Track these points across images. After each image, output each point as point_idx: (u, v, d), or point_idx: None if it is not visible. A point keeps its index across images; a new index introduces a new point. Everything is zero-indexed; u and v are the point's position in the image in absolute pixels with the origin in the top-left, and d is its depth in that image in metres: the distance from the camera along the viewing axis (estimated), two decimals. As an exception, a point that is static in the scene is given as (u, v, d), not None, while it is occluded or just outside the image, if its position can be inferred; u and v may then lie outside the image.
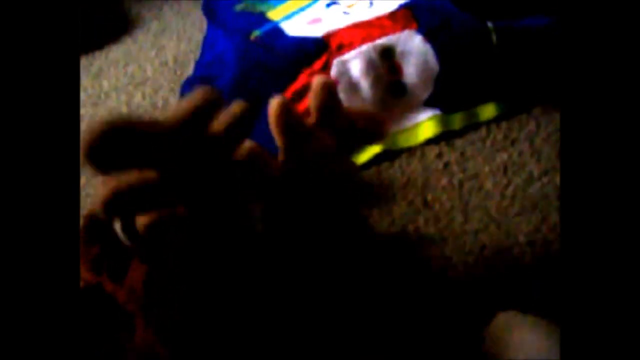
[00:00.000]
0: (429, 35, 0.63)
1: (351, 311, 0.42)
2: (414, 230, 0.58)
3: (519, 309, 0.49)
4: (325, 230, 0.40)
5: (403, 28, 0.64)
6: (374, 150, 0.63)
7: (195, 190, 0.30)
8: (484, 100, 0.65)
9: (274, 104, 0.35)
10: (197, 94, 0.28)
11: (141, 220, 0.29)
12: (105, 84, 0.83)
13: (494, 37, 0.64)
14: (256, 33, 0.68)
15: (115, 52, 0.89)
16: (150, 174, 0.28)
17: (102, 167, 0.26)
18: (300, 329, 0.38)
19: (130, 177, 0.27)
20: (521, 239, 0.57)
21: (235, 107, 0.30)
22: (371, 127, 0.38)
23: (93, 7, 0.94)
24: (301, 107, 0.60)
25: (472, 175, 0.62)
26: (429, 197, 0.61)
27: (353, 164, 0.39)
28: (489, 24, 0.64)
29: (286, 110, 0.35)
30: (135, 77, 0.83)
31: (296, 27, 0.68)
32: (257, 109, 0.44)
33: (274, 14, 0.71)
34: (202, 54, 0.79)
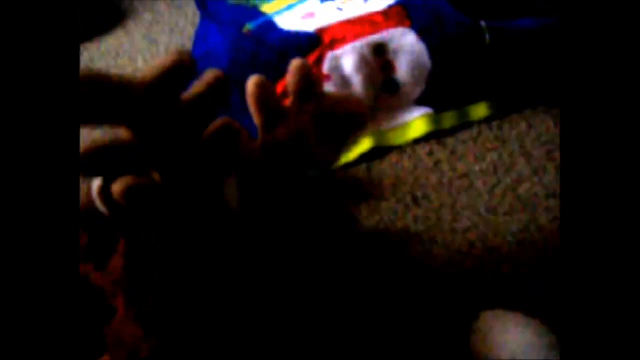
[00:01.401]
0: (422, 33, 0.63)
1: (335, 306, 0.42)
2: (403, 227, 0.58)
3: (505, 307, 0.49)
4: (304, 216, 0.40)
5: (396, 25, 0.64)
6: (364, 147, 0.63)
7: (169, 155, 0.30)
8: (476, 100, 0.66)
9: (251, 82, 0.36)
10: (171, 55, 0.28)
11: (116, 187, 0.29)
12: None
13: (487, 37, 0.64)
14: (249, 26, 0.68)
15: (107, 43, 0.88)
16: (124, 134, 0.28)
17: (82, 121, 0.26)
18: (277, 311, 0.38)
19: (104, 136, 0.27)
20: (509, 238, 0.57)
21: (209, 74, 0.30)
22: (353, 111, 0.39)
23: (85, -2, 0.94)
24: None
25: (462, 174, 0.62)
26: (419, 195, 0.60)
27: (333, 150, 0.39)
28: (483, 24, 0.64)
29: (263, 88, 0.36)
30: (126, 69, 0.83)
31: (290, 21, 0.68)
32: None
33: (267, 8, 0.71)
34: (195, 47, 0.78)
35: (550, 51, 0.65)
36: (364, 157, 0.64)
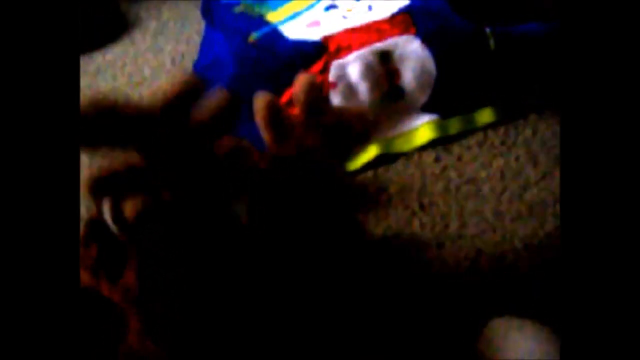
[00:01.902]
0: (427, 40, 0.63)
1: (343, 314, 0.42)
2: (410, 234, 0.58)
3: (514, 313, 0.49)
4: (313, 228, 0.40)
5: (401, 32, 0.64)
6: (370, 154, 0.63)
7: (179, 177, 0.30)
8: (481, 105, 0.66)
9: (259, 98, 0.36)
10: (179, 79, 0.28)
11: (128, 207, 0.29)
12: (102, 84, 0.83)
13: (492, 43, 0.64)
14: (254, 35, 0.68)
15: (113, 52, 0.89)
16: (133, 157, 0.28)
17: (86, 144, 0.26)
18: (289, 325, 0.39)
19: (113, 159, 0.28)
20: (517, 244, 0.57)
21: (218, 96, 0.30)
22: (360, 125, 0.39)
23: (91, 7, 0.94)
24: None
25: (468, 180, 0.62)
26: (426, 202, 0.61)
27: (339, 163, 0.40)
28: (487, 30, 0.64)
29: (272, 104, 0.36)
30: (133, 78, 0.83)
31: (295, 30, 0.68)
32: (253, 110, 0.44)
33: (272, 17, 0.71)
34: (200, 56, 0.79)
35: (555, 56, 0.65)
36: (370, 165, 0.64)
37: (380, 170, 0.64)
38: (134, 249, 0.35)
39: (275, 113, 0.36)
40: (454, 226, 0.58)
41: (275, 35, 0.68)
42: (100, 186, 0.28)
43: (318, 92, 0.37)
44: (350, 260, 0.46)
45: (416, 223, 0.59)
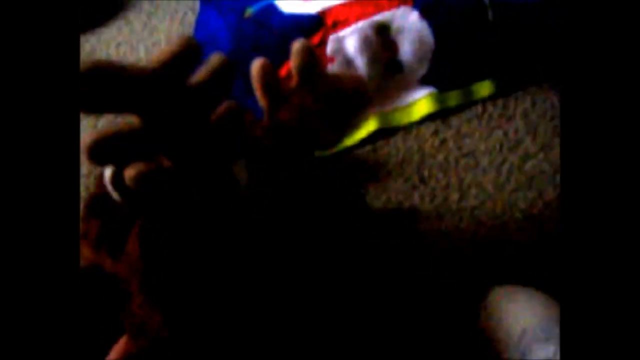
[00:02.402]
0: (424, 12, 0.63)
1: (345, 288, 0.43)
2: (410, 206, 0.58)
3: (514, 282, 0.49)
4: (313, 192, 0.40)
5: (399, 4, 0.64)
6: (369, 128, 0.63)
7: (178, 141, 0.30)
8: (480, 78, 0.65)
9: (256, 65, 0.36)
10: (176, 42, 0.28)
11: (128, 173, 0.29)
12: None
13: (490, 14, 0.64)
14: (250, 10, 0.68)
15: (108, 33, 0.88)
16: (133, 121, 0.28)
17: (87, 107, 0.26)
18: (291, 294, 0.39)
19: (113, 124, 0.28)
20: (517, 215, 0.57)
21: (214, 59, 0.30)
22: (355, 90, 0.39)
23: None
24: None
25: (468, 152, 0.62)
26: (425, 174, 0.61)
27: (332, 128, 0.40)
28: (485, 0, 0.64)
29: (267, 70, 0.36)
30: (127, 58, 0.83)
31: (291, 4, 0.68)
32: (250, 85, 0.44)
33: (268, -8, 0.71)
34: (196, 33, 0.78)
35: (554, 26, 0.65)
36: (370, 139, 0.64)
37: (380, 144, 0.64)
38: (136, 218, 0.35)
39: (271, 78, 0.37)
40: (453, 198, 0.58)
41: (271, 10, 0.67)
42: (101, 151, 0.27)
43: (313, 57, 0.37)
44: (351, 230, 0.46)
45: (416, 196, 0.59)
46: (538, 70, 0.66)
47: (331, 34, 0.63)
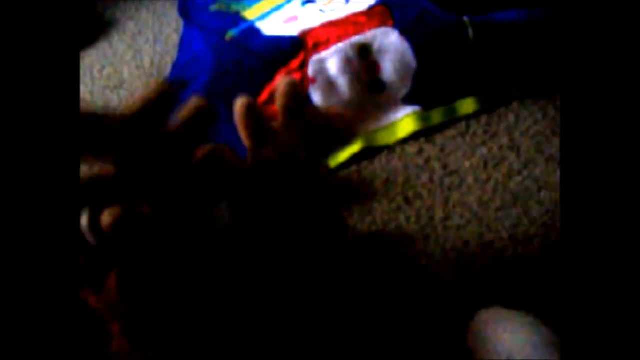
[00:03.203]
0: (405, 32, 0.63)
1: (330, 314, 0.42)
2: (396, 228, 0.58)
3: (501, 304, 0.49)
4: (298, 228, 0.40)
5: (379, 25, 0.64)
6: (353, 148, 0.63)
7: (156, 186, 0.30)
8: (463, 95, 0.65)
9: (239, 103, 0.36)
10: (152, 87, 0.28)
11: (104, 218, 0.29)
12: (81, 88, 0.82)
13: (471, 32, 0.64)
14: (231, 33, 0.68)
15: (91, 55, 0.88)
16: (107, 167, 0.28)
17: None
18: (275, 333, 0.38)
19: (87, 169, 0.28)
20: (503, 233, 0.57)
21: (193, 102, 0.30)
22: (342, 125, 0.39)
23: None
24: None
25: (452, 171, 0.62)
26: (410, 194, 0.60)
27: (322, 164, 0.40)
28: (465, 19, 0.64)
29: (251, 109, 0.36)
30: (111, 80, 0.82)
31: (272, 26, 0.68)
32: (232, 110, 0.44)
33: (249, 14, 0.71)
34: (179, 55, 0.78)
35: (535, 42, 0.65)
36: (354, 159, 0.63)
37: (364, 164, 0.64)
38: (114, 261, 0.35)
39: (255, 118, 0.36)
40: (439, 218, 0.58)
41: (252, 32, 0.67)
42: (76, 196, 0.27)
43: (298, 95, 0.37)
44: (335, 260, 0.46)
45: (402, 216, 0.59)
46: (521, 86, 0.66)
47: (312, 56, 0.63)
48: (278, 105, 0.37)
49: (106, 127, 0.27)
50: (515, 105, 0.66)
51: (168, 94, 0.29)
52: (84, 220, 0.33)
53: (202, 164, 0.31)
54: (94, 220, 0.31)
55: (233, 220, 0.36)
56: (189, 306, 0.35)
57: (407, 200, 0.60)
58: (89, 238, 0.33)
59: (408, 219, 0.59)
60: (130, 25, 0.92)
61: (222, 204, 0.35)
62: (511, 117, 0.65)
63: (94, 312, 0.39)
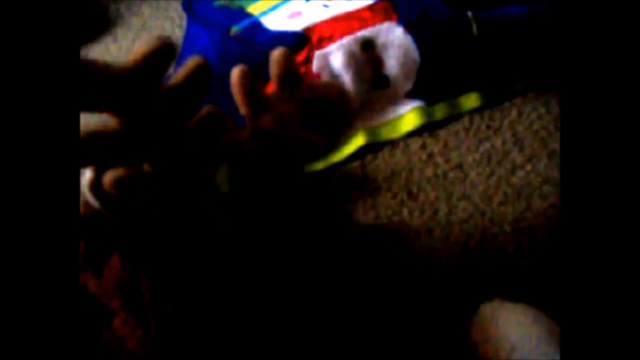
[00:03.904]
0: (409, 27, 0.63)
1: (330, 302, 0.43)
2: (399, 222, 0.58)
3: (504, 297, 0.49)
4: (298, 214, 0.41)
5: (383, 20, 0.64)
6: (356, 143, 0.63)
7: (156, 142, 0.30)
8: (466, 90, 0.66)
9: (235, 72, 0.37)
10: (150, 41, 0.28)
11: (107, 177, 0.29)
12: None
13: (474, 27, 0.64)
14: (235, 28, 0.68)
15: (95, 51, 0.88)
16: (112, 121, 0.28)
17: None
18: (274, 304, 0.39)
19: (91, 124, 0.28)
20: (506, 227, 0.57)
21: (191, 61, 0.31)
22: (337, 100, 0.40)
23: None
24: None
25: (455, 165, 0.62)
26: (414, 189, 0.61)
27: (315, 135, 0.40)
28: (469, 14, 0.64)
29: (247, 78, 0.37)
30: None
31: (276, 21, 0.68)
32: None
33: (253, 9, 0.71)
34: (183, 51, 0.78)
35: (538, 37, 0.65)
36: (357, 154, 0.64)
37: (368, 159, 0.64)
38: (106, 212, 0.35)
39: (251, 87, 0.37)
40: (442, 212, 0.58)
41: (256, 27, 0.67)
42: (80, 152, 0.27)
43: (291, 63, 0.37)
44: (338, 248, 0.46)
45: (405, 211, 0.59)
46: (524, 81, 0.66)
47: (316, 51, 0.63)
48: (272, 75, 0.38)
49: (107, 78, 0.27)
50: (518, 100, 0.66)
51: (167, 49, 0.29)
52: (86, 181, 0.33)
53: (202, 122, 0.32)
54: (96, 181, 0.31)
55: (232, 184, 0.36)
56: (187, 276, 0.36)
57: (410, 195, 0.60)
58: (91, 200, 0.33)
59: (411, 213, 0.59)
60: (134, 21, 0.93)
61: (221, 168, 0.35)
62: (514, 112, 0.65)
63: (93, 298, 0.39)
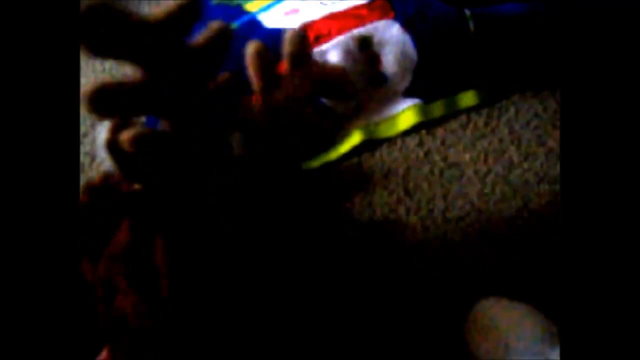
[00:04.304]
0: (406, 24, 0.63)
1: (328, 299, 0.43)
2: (396, 219, 0.58)
3: (500, 295, 0.49)
4: (298, 207, 0.41)
5: (380, 17, 0.64)
6: (354, 140, 0.63)
7: (177, 99, 0.30)
8: (464, 88, 0.65)
9: (250, 46, 0.39)
10: (175, 2, 0.29)
11: (125, 135, 0.29)
12: (83, 80, 0.82)
13: (472, 24, 0.64)
14: (233, 26, 0.68)
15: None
16: (136, 73, 0.29)
17: (89, 46, 0.26)
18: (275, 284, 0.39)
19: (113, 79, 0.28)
20: (502, 225, 0.57)
21: (214, 25, 0.31)
22: (342, 80, 0.41)
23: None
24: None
25: (452, 163, 0.62)
26: (410, 187, 0.61)
27: (322, 118, 0.42)
28: (466, 11, 0.64)
29: (261, 52, 0.38)
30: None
31: (273, 18, 0.68)
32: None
33: (251, 6, 0.71)
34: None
35: (536, 35, 0.65)
36: (354, 151, 0.64)
37: (365, 156, 0.64)
38: (123, 171, 0.34)
39: (265, 61, 0.38)
40: (439, 210, 0.58)
41: (254, 25, 0.67)
42: (102, 100, 0.27)
43: (304, 44, 0.39)
44: (335, 245, 0.47)
45: (401, 208, 0.59)
46: (521, 79, 0.66)
47: (314, 48, 0.63)
48: (284, 52, 0.39)
49: (134, 26, 0.28)
50: (515, 98, 0.66)
51: (192, 6, 0.29)
52: (103, 140, 0.33)
53: (223, 87, 0.32)
54: (113, 140, 0.31)
55: (245, 150, 0.37)
56: (194, 251, 0.36)
57: (407, 192, 0.60)
58: (107, 158, 0.33)
59: (408, 210, 0.59)
60: (133, 19, 0.93)
61: (235, 136, 0.36)
62: (512, 110, 0.65)
63: (88, 284, 0.39)
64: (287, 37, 0.40)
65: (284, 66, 0.51)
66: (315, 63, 0.42)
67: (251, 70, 0.39)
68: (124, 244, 0.36)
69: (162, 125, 0.32)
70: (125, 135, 0.29)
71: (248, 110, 0.38)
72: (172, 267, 0.35)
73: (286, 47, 0.40)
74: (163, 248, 0.35)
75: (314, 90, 0.40)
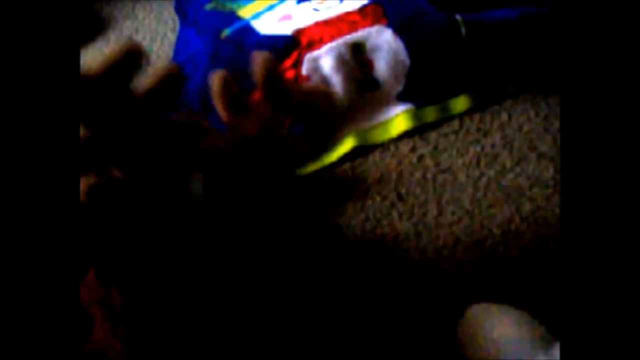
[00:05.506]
0: (398, 30, 0.63)
1: (317, 305, 0.43)
2: (388, 224, 0.59)
3: (492, 300, 0.49)
4: (272, 210, 0.40)
5: (373, 23, 0.64)
6: (347, 146, 0.63)
7: (126, 149, 0.30)
8: (456, 93, 0.66)
9: (215, 78, 0.35)
10: (118, 46, 0.28)
11: (80, 185, 0.29)
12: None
13: (464, 30, 0.64)
14: (226, 31, 0.68)
15: (88, 53, 0.88)
16: (80, 130, 0.28)
17: None
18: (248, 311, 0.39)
19: None
20: (495, 230, 0.57)
21: (161, 68, 0.30)
22: (321, 102, 0.38)
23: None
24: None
25: (445, 168, 0.62)
26: (403, 192, 0.61)
27: (300, 140, 0.39)
28: (458, 17, 0.64)
29: (227, 84, 0.35)
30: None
31: (266, 25, 0.68)
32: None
33: (244, 12, 0.71)
34: (175, 54, 0.78)
35: (528, 40, 0.65)
36: (347, 157, 0.64)
37: (358, 161, 0.64)
38: (92, 247, 0.35)
39: (231, 91, 0.36)
40: (431, 215, 0.59)
41: (246, 31, 0.68)
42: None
43: (274, 68, 0.36)
44: (326, 253, 0.46)
45: (394, 213, 0.59)
46: (514, 84, 0.66)
47: (306, 54, 0.63)
48: (254, 78, 0.36)
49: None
50: (508, 102, 0.66)
51: (135, 54, 0.28)
52: None
53: (179, 128, 0.31)
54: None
55: (207, 194, 0.36)
56: (163, 284, 0.36)
57: (400, 197, 0.60)
58: None
59: (401, 215, 0.59)
60: (127, 24, 0.93)
61: (198, 176, 0.35)
62: (504, 115, 0.66)
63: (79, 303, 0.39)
64: (255, 62, 0.36)
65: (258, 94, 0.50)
66: (291, 88, 0.38)
67: (216, 101, 0.36)
68: (93, 283, 0.36)
69: (114, 173, 0.31)
70: (80, 186, 0.29)
71: (211, 146, 0.36)
72: (127, 310, 0.35)
73: (255, 73, 0.36)
74: (118, 294, 0.35)
75: (291, 117, 0.38)
